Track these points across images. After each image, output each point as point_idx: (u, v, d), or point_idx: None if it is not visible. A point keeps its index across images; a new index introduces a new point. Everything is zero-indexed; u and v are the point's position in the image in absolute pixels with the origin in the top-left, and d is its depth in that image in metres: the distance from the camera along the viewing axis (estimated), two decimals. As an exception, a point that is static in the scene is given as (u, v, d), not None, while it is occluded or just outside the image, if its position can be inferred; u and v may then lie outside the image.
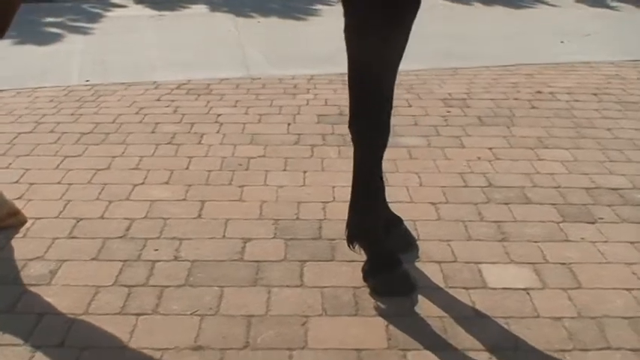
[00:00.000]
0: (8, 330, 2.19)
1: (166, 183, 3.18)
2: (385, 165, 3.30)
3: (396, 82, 4.32)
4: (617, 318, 2.25)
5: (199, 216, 2.88)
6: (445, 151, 3.56)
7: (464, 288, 2.41)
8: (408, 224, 2.78)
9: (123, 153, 3.51)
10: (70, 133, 3.78)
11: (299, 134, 3.77)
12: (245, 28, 6.60)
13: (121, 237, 2.72)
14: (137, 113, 4.08)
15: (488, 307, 2.31)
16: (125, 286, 2.41)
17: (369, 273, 2.38)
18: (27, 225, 2.80)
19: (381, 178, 2.59)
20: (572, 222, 2.85)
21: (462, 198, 3.05)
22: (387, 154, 3.39)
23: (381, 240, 2.41)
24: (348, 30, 2.18)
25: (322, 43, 5.91)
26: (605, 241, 2.70)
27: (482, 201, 3.02)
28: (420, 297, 2.36)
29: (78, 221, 2.84)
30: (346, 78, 2.31)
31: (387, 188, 3.01)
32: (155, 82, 4.78)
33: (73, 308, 2.29)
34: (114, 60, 5.53)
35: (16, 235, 2.73)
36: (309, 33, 6.47)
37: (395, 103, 2.42)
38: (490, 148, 3.59)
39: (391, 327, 2.21)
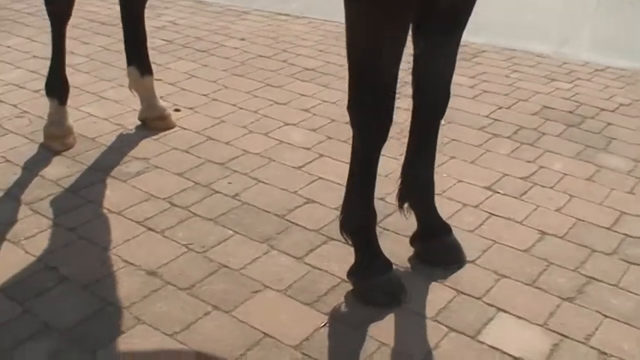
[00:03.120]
0: (55, 204, 2.56)
1: (313, 130, 3.20)
2: (549, 176, 2.83)
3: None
4: None
5: (300, 167, 2.87)
6: (641, 184, 2.86)
7: (448, 328, 2.02)
8: (484, 243, 2.40)
9: (313, 94, 3.61)
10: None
11: (497, 121, 3.38)
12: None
13: (220, 164, 2.88)
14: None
15: None
16: (170, 203, 2.59)
17: (351, 271, 2.14)
18: (167, 132, 3.13)
19: (429, 178, 2.27)
20: (687, 312, 2.11)
21: (585, 239, 2.46)
22: (568, 168, 2.86)
23: (370, 239, 2.13)
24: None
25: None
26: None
27: (606, 251, 2.40)
28: (387, 319, 2.05)
29: (206, 140, 3.08)
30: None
31: (518, 202, 2.67)
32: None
33: (116, 205, 2.56)
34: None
35: (151, 136, 3.08)
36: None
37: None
38: None
39: (323, 330, 2.00)
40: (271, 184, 2.74)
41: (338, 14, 1.96)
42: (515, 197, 2.72)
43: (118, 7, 4.68)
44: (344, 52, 1.98)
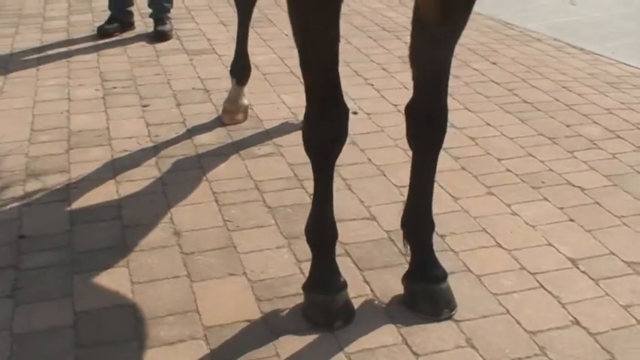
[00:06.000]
0: (176, 163, 2.99)
1: (455, 158, 3.06)
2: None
3: None
4: None
5: (399, 187, 2.81)
6: None
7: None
8: (492, 309, 2.14)
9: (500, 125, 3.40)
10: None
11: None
12: None
13: (336, 165, 2.98)
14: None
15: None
16: (255, 184, 2.82)
17: (304, 283, 2.12)
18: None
19: (424, 212, 2.11)
20: None
21: (619, 345, 1.99)
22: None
23: (326, 256, 2.07)
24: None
25: None
26: None
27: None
28: (304, 338, 2.00)
29: (348, 144, 3.18)
30: None
31: (589, 284, 2.30)
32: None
33: (214, 175, 2.89)
34: None
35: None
36: None
37: None
38: None
39: (242, 325, 2.06)
40: (356, 194, 2.76)
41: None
42: (593, 279, 2.29)
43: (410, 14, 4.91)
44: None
